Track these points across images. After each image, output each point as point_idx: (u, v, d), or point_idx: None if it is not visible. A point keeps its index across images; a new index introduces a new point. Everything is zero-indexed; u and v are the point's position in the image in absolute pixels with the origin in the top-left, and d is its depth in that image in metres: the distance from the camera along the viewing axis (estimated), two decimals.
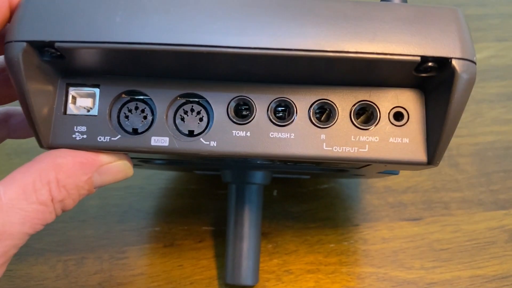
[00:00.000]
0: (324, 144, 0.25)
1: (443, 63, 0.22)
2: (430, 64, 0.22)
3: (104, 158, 0.26)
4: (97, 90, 0.25)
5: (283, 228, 0.42)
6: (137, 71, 0.25)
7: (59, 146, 0.25)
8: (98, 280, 0.40)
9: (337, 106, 0.25)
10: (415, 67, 0.23)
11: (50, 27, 0.22)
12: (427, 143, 0.25)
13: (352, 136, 0.25)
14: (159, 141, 0.25)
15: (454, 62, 0.22)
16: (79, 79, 0.25)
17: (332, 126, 0.25)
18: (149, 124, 0.25)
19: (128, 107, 0.26)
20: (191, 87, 0.25)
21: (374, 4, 0.23)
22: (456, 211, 0.43)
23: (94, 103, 0.25)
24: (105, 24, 0.22)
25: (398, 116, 0.25)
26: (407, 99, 0.25)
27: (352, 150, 0.25)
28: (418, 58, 0.22)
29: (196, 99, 0.26)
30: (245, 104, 0.25)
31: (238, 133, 0.25)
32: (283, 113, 0.26)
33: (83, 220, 0.43)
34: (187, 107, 0.25)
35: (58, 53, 0.23)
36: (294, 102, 0.25)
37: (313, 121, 0.25)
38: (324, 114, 0.26)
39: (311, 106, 0.25)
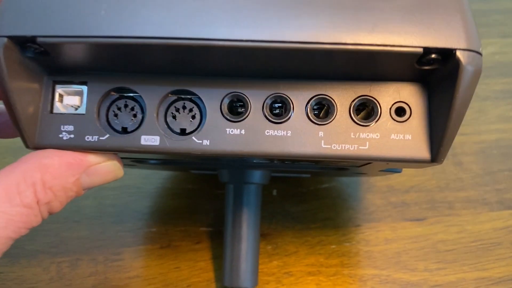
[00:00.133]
0: (323, 141, 0.24)
1: (447, 55, 0.21)
2: (433, 56, 0.21)
3: (92, 158, 0.25)
4: (84, 88, 0.25)
5: (283, 228, 0.41)
6: (126, 67, 0.24)
7: (45, 146, 0.24)
8: (93, 282, 0.39)
9: (336, 102, 0.24)
10: (417, 59, 0.22)
11: (32, 21, 0.21)
12: (431, 140, 0.24)
13: (352, 133, 0.24)
14: (150, 140, 0.24)
15: (458, 53, 0.21)
16: (66, 76, 0.25)
17: (330, 123, 0.24)
18: (139, 123, 0.24)
19: (117, 105, 0.25)
20: (182, 83, 0.24)
21: None
22: (460, 211, 0.42)
23: (81, 101, 0.25)
24: (90, 18, 0.21)
25: (399, 111, 0.24)
26: (409, 94, 0.24)
27: (352, 147, 0.24)
28: (421, 50, 0.21)
29: (188, 96, 0.25)
30: (239, 100, 0.24)
31: (232, 131, 0.24)
32: (279, 110, 0.25)
33: (77, 220, 0.42)
34: (179, 104, 0.25)
35: (42, 48, 0.22)
36: (291, 98, 0.24)
37: (311, 117, 0.24)
38: (322, 110, 0.25)
39: (308, 102, 0.24)
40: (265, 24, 0.21)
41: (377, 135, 0.24)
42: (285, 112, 0.24)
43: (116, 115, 0.24)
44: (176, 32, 0.21)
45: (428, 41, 0.21)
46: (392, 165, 0.26)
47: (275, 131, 0.24)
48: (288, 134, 0.24)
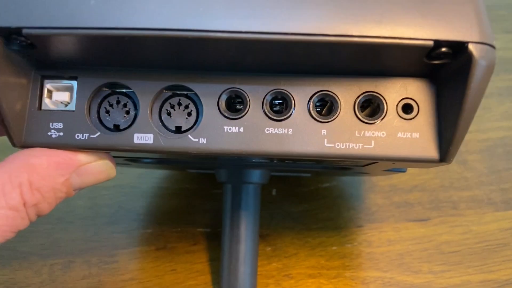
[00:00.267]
0: (326, 140, 0.23)
1: (459, 48, 0.20)
2: (443, 49, 0.20)
3: (82, 157, 0.24)
4: (74, 83, 0.24)
5: (282, 229, 0.40)
6: (118, 62, 0.23)
7: (33, 145, 0.23)
8: (86, 285, 0.38)
9: (340, 98, 0.23)
10: (427, 53, 0.20)
11: (16, 11, 0.20)
12: (439, 139, 0.23)
13: (356, 131, 0.23)
14: (143, 138, 0.23)
15: (471, 46, 0.20)
16: (55, 71, 0.24)
17: (334, 121, 0.23)
18: (131, 120, 0.24)
19: (108, 101, 0.24)
20: (177, 78, 0.23)
21: None
22: (465, 211, 0.41)
23: (71, 97, 0.24)
24: (79, 8, 0.20)
25: (407, 108, 0.23)
26: (417, 90, 0.23)
27: (356, 146, 0.23)
28: (431, 43, 0.20)
29: (184, 92, 0.24)
30: (237, 97, 0.23)
31: (230, 129, 0.23)
32: (279, 107, 0.24)
33: (70, 221, 0.41)
34: (174, 100, 0.24)
35: (28, 41, 0.21)
36: (292, 94, 0.23)
37: (313, 115, 0.23)
38: (325, 107, 0.24)
39: (310, 98, 0.23)
40: (266, 14, 0.20)
41: (383, 134, 0.23)
42: (286, 109, 0.23)
43: (107, 112, 0.24)
44: (171, 23, 0.20)
45: (439, 33, 0.20)
46: (398, 164, 0.25)
47: (276, 129, 0.23)
48: (289, 132, 0.23)
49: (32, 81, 0.23)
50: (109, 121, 0.24)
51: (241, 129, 0.23)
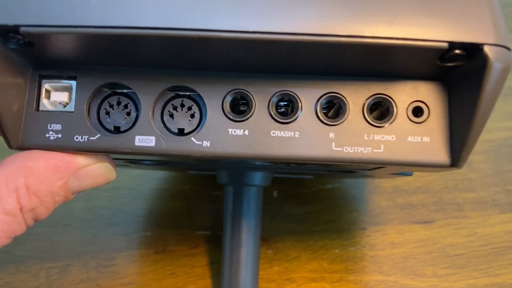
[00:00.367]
0: (333, 143, 0.22)
1: (473, 50, 0.19)
2: (457, 51, 0.19)
3: (81, 160, 0.23)
4: (73, 83, 0.23)
5: (284, 232, 0.40)
6: (119, 61, 0.23)
7: (30, 147, 0.23)
8: None
9: (348, 101, 0.22)
10: (440, 55, 0.20)
11: (14, 9, 0.20)
12: (451, 143, 0.22)
13: (365, 135, 0.22)
14: (145, 141, 0.23)
15: (486, 48, 0.19)
16: (53, 70, 0.23)
17: (342, 124, 0.22)
18: (133, 122, 0.23)
19: (109, 102, 0.23)
20: (180, 79, 0.23)
21: None
22: (470, 213, 0.41)
23: (70, 98, 0.23)
24: (79, 5, 0.20)
25: (417, 111, 0.22)
26: (427, 93, 0.22)
27: (365, 150, 0.22)
28: (445, 44, 0.19)
29: (187, 93, 0.23)
30: (242, 98, 0.23)
31: (234, 132, 0.22)
32: (286, 109, 0.24)
33: (67, 224, 0.40)
34: (177, 102, 0.23)
35: (26, 39, 0.20)
36: (299, 96, 0.23)
37: (321, 117, 0.22)
38: (333, 109, 0.23)
39: (318, 100, 0.22)
40: (273, 13, 0.19)
41: (392, 137, 0.22)
42: (292, 111, 0.23)
43: (108, 113, 0.23)
44: (174, 22, 0.19)
45: (453, 35, 0.19)
46: (406, 169, 0.25)
47: (282, 132, 0.22)
48: (296, 135, 0.22)
49: (29, 81, 0.23)
50: (109, 123, 0.23)
51: (246, 132, 0.22)
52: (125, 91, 0.23)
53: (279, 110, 0.23)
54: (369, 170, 0.27)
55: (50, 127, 0.23)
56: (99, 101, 0.23)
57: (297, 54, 0.21)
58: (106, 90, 0.23)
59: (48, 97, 0.23)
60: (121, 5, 0.19)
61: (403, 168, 0.24)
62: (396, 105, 0.22)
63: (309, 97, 0.22)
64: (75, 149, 0.23)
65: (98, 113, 0.23)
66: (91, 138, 0.23)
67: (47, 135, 0.22)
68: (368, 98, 0.22)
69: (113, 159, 0.25)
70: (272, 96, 0.22)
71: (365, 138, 0.22)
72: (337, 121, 0.22)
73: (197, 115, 0.23)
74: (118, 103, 0.23)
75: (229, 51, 0.20)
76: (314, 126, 0.22)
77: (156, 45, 0.20)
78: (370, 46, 0.19)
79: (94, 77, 0.23)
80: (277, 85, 0.23)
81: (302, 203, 0.41)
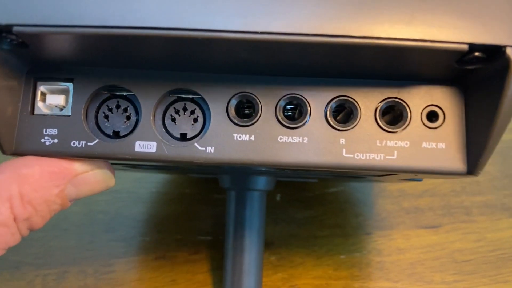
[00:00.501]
0: (344, 150, 0.21)
1: (494, 52, 0.18)
2: (476, 53, 0.18)
3: (79, 166, 0.22)
4: (70, 85, 0.22)
5: (287, 237, 0.39)
6: (118, 63, 0.22)
7: (25, 153, 0.22)
8: None
9: (360, 105, 0.21)
10: (459, 58, 0.19)
11: (6, 7, 0.18)
12: (467, 150, 0.21)
13: (378, 141, 0.21)
14: (145, 146, 0.22)
15: (509, 50, 0.18)
16: (49, 72, 0.22)
17: (353, 129, 0.21)
18: (133, 126, 0.22)
19: (108, 106, 0.22)
20: (183, 81, 0.22)
21: None
22: (478, 217, 0.40)
23: (67, 101, 0.22)
24: (75, 3, 0.18)
25: (432, 116, 0.22)
26: (443, 96, 0.21)
27: (377, 157, 0.21)
28: (466, 47, 0.18)
29: (190, 96, 0.22)
30: (248, 102, 0.22)
31: (240, 137, 0.22)
32: (291, 112, 0.23)
33: (64, 229, 0.39)
34: (179, 105, 0.22)
35: (20, 40, 0.19)
36: (308, 99, 0.22)
37: (331, 122, 0.21)
38: (342, 113, 0.22)
39: (327, 104, 0.21)
40: (282, 13, 0.18)
41: (406, 143, 0.21)
42: (300, 115, 0.22)
43: (106, 117, 0.22)
44: (177, 22, 0.18)
45: (474, 36, 0.18)
46: (420, 175, 0.23)
47: (290, 137, 0.22)
48: (305, 141, 0.22)
49: (24, 83, 0.22)
50: (108, 127, 0.22)
51: (252, 137, 0.22)
52: (124, 94, 0.22)
53: (286, 113, 0.22)
54: (379, 176, 0.26)
55: (46, 131, 0.22)
56: (97, 105, 0.22)
57: (306, 56, 0.20)
58: (105, 93, 0.22)
59: (44, 100, 0.22)
60: (120, 3, 0.18)
61: (416, 175, 0.23)
62: (410, 110, 0.21)
63: (318, 100, 0.22)
64: (72, 155, 0.22)
65: (96, 117, 0.22)
66: (89, 143, 0.22)
67: (42, 140, 0.22)
68: (380, 102, 0.21)
69: (112, 163, 0.24)
70: (280, 100, 0.22)
71: (378, 144, 0.21)
72: (348, 126, 0.21)
73: (200, 119, 0.22)
74: (118, 107, 0.22)
75: (234, 52, 0.20)
76: (323, 131, 0.21)
77: (157, 46, 0.20)
78: (385, 48, 0.18)
79: (92, 79, 0.22)
80: (284, 88, 0.22)
81: (305, 207, 0.40)
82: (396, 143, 0.21)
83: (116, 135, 0.22)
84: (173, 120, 0.22)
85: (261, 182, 0.33)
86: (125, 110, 0.22)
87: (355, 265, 0.37)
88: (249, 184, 0.33)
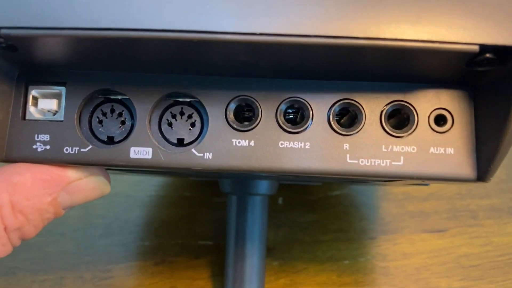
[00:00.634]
0: (348, 155, 0.20)
1: (506, 54, 0.17)
2: (487, 55, 0.17)
3: (72, 173, 0.22)
4: (63, 89, 0.22)
5: (290, 241, 0.38)
6: (113, 66, 0.21)
7: (16, 160, 0.21)
8: None
9: (364, 108, 0.21)
10: (469, 59, 0.18)
11: None
12: (477, 155, 0.20)
13: (383, 146, 0.20)
14: (140, 152, 0.21)
15: None
16: (41, 75, 0.22)
17: (357, 133, 0.21)
18: (128, 131, 0.21)
19: (102, 110, 0.22)
20: (180, 84, 0.21)
21: None
22: (485, 221, 0.39)
23: (59, 106, 0.22)
24: (66, 5, 0.18)
25: (440, 120, 0.21)
26: (451, 99, 0.21)
27: (383, 163, 0.20)
28: (476, 48, 0.17)
29: (187, 100, 0.21)
30: (247, 105, 0.21)
31: (239, 143, 0.21)
32: (293, 115, 0.22)
33: (62, 233, 0.38)
34: (176, 109, 0.21)
35: (8, 42, 0.18)
36: (310, 103, 0.21)
37: (334, 126, 0.21)
38: (346, 117, 0.22)
39: (331, 107, 0.21)
40: (282, 13, 0.17)
41: (413, 149, 0.20)
42: (302, 119, 0.21)
43: (100, 122, 0.22)
44: (173, 24, 0.17)
45: (485, 36, 0.17)
46: (428, 181, 0.23)
47: (291, 142, 0.21)
48: (307, 147, 0.21)
49: (15, 87, 0.21)
50: (102, 133, 0.22)
51: (252, 143, 0.21)
52: (119, 97, 0.21)
53: (288, 117, 0.22)
54: (385, 181, 0.25)
55: (38, 137, 0.21)
56: (91, 109, 0.22)
57: (308, 58, 0.19)
58: (99, 96, 0.22)
59: (36, 104, 0.22)
60: (112, 4, 0.17)
61: (423, 181, 0.22)
62: (417, 113, 0.20)
63: (321, 104, 0.21)
64: (65, 162, 0.21)
65: (90, 122, 0.22)
66: (82, 150, 0.21)
67: (34, 146, 0.21)
68: (386, 105, 0.20)
69: (108, 168, 0.24)
70: (280, 103, 0.21)
71: (383, 149, 0.20)
72: (352, 130, 0.20)
73: (198, 124, 0.21)
74: (112, 111, 0.21)
75: (232, 54, 0.19)
76: (326, 136, 0.21)
77: (151, 49, 0.19)
78: (391, 50, 0.17)
79: (85, 82, 0.21)
80: (285, 91, 0.21)
81: (308, 211, 0.39)
82: (402, 148, 0.20)
83: (111, 140, 0.21)
84: (170, 125, 0.21)
85: (263, 187, 0.32)
86: (120, 114, 0.21)
87: (359, 271, 0.36)
88: (250, 189, 0.32)
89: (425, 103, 0.20)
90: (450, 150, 0.20)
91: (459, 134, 0.20)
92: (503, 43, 0.17)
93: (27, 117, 0.21)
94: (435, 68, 0.19)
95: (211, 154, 0.21)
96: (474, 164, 0.20)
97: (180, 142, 0.21)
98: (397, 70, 0.20)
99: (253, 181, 0.32)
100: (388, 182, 0.26)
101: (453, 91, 0.20)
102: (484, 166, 0.20)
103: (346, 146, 0.20)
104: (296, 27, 0.17)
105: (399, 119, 0.21)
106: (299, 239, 0.38)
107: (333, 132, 0.20)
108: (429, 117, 0.20)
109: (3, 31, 0.17)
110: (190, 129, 0.21)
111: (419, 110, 0.20)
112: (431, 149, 0.20)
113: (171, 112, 0.21)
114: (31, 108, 0.21)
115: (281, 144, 0.21)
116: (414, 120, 0.20)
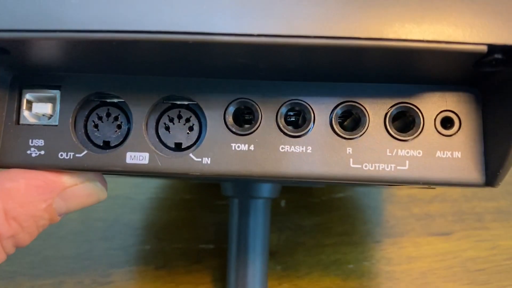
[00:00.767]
0: (351, 160, 0.20)
1: None
2: (496, 55, 0.17)
3: (67, 179, 0.21)
4: (57, 93, 0.21)
5: (293, 245, 0.37)
6: (108, 68, 0.20)
7: (9, 166, 0.21)
8: None
9: (368, 111, 0.20)
10: (477, 60, 0.17)
11: None
12: (485, 159, 0.20)
13: (388, 150, 0.20)
14: (137, 158, 0.20)
15: None
16: (35, 79, 0.21)
17: (361, 137, 0.20)
18: (124, 136, 0.21)
19: (97, 114, 0.21)
20: (177, 87, 0.21)
21: None
22: (491, 224, 0.38)
23: (54, 110, 0.21)
24: (58, 7, 0.17)
25: (446, 123, 0.20)
26: (458, 101, 0.20)
27: (387, 168, 0.20)
28: (484, 48, 0.16)
29: (185, 103, 0.21)
30: (247, 108, 0.21)
31: (238, 147, 0.20)
32: (294, 118, 0.21)
33: (61, 237, 0.38)
34: (173, 113, 0.21)
35: (0, 45, 0.18)
36: (311, 105, 0.20)
37: (336, 130, 0.20)
38: (349, 119, 0.21)
39: (333, 110, 0.20)
40: (282, 13, 0.17)
41: (419, 153, 0.20)
42: (304, 123, 0.20)
43: (96, 126, 0.21)
44: (168, 25, 0.17)
45: (493, 36, 0.16)
46: (433, 186, 0.22)
47: (292, 146, 0.20)
48: (308, 151, 0.20)
49: (8, 91, 0.21)
50: (97, 137, 0.21)
51: (252, 147, 0.20)
52: (115, 101, 0.21)
53: (288, 120, 0.21)
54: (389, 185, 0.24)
55: (32, 142, 0.21)
56: (86, 113, 0.21)
57: (308, 60, 0.18)
58: (94, 100, 0.21)
59: (30, 108, 0.21)
60: (106, 5, 0.17)
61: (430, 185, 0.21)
62: (422, 116, 0.20)
63: (322, 106, 0.20)
64: (60, 168, 0.21)
65: (85, 126, 0.21)
66: (77, 155, 0.20)
67: (28, 151, 0.21)
68: (390, 108, 0.20)
69: (103, 173, 0.23)
70: (281, 106, 0.20)
71: (388, 153, 0.20)
72: (355, 134, 0.20)
73: (196, 128, 0.21)
74: (108, 115, 0.21)
75: (230, 56, 0.18)
76: (328, 140, 0.20)
77: (147, 51, 0.18)
78: (395, 50, 0.16)
79: (80, 86, 0.21)
80: (286, 93, 0.20)
81: (312, 213, 0.39)
82: (408, 152, 0.20)
83: (107, 145, 0.21)
84: (167, 128, 0.21)
85: (266, 190, 0.32)
86: (116, 118, 0.21)
87: (364, 275, 0.36)
88: (252, 192, 0.32)
89: (431, 105, 0.20)
90: (457, 154, 0.20)
91: (467, 138, 0.20)
92: (511, 43, 0.16)
93: (21, 122, 0.21)
94: (441, 69, 0.19)
95: (209, 159, 0.20)
96: (482, 168, 0.20)
97: (178, 147, 0.21)
98: (401, 71, 0.19)
99: (255, 184, 0.31)
100: (393, 185, 0.25)
101: (460, 93, 0.20)
102: (493, 171, 0.19)
103: (349, 150, 0.20)
104: (295, 28, 0.16)
105: (404, 122, 0.20)
106: (302, 243, 0.37)
107: (336, 135, 0.20)
108: (435, 119, 0.20)
109: None
110: (188, 133, 0.21)
111: (424, 112, 0.20)
112: (438, 153, 0.20)
113: (168, 116, 0.21)
114: (25, 112, 0.21)
115: (282, 148, 0.20)
116: (420, 123, 0.20)
